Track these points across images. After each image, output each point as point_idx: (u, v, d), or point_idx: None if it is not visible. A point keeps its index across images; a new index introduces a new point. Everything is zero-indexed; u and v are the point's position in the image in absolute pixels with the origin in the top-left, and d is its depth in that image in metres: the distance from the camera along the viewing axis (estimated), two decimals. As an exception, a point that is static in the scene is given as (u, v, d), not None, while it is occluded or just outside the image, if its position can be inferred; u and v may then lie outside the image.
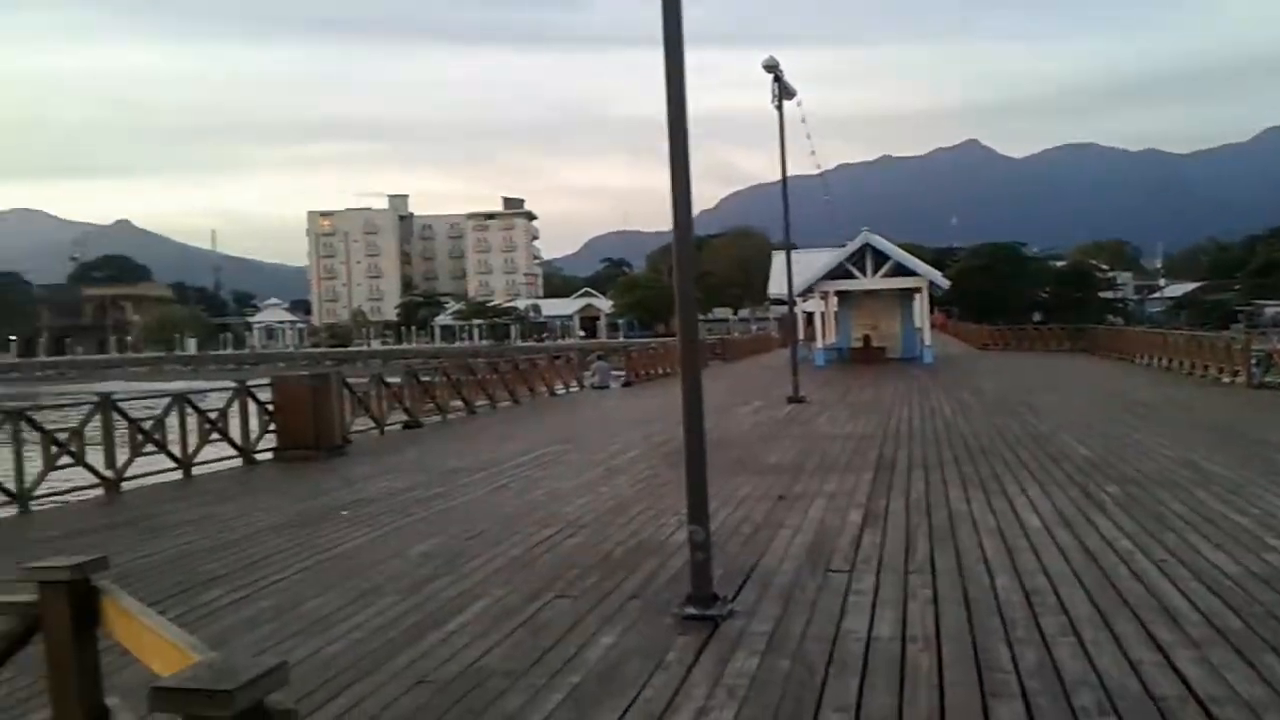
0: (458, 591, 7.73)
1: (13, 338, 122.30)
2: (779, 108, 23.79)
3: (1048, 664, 5.66)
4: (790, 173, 25.55)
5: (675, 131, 7.21)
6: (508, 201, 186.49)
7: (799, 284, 33.57)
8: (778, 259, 47.80)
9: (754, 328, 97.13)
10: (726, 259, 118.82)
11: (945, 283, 44.84)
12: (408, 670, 5.94)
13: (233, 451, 16.58)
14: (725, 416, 20.28)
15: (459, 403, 24.23)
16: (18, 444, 12.96)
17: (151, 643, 3.07)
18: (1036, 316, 77.36)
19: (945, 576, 7.63)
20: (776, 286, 46.59)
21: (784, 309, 48.66)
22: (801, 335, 39.79)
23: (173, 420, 15.51)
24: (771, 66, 23.07)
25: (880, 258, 41.56)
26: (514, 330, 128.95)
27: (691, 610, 6.80)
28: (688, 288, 7.48)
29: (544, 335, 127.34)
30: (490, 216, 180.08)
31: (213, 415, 16.33)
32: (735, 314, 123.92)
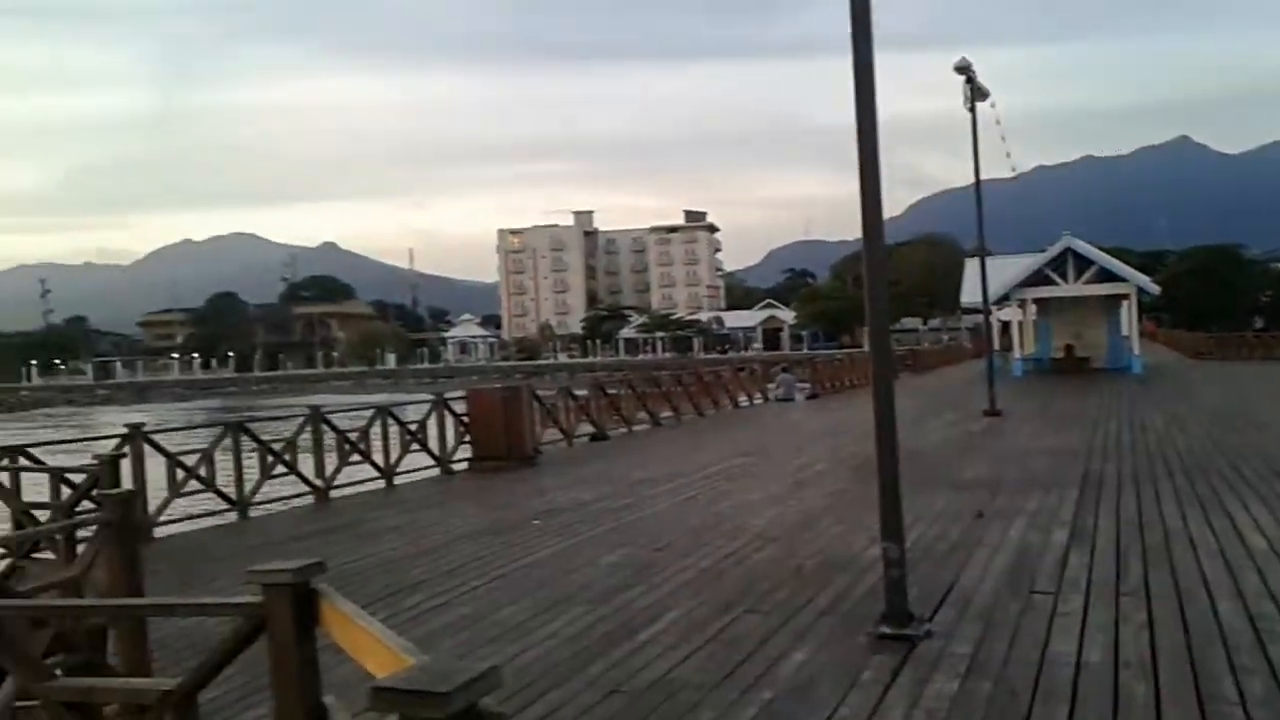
0: (648, 602, 7.77)
1: (230, 354, 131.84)
2: (971, 110, 22.98)
3: (1276, 694, 5.21)
4: (983, 176, 24.61)
5: (864, 137, 7.04)
6: (689, 215, 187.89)
7: (994, 291, 32.27)
8: (970, 266, 46.14)
9: (944, 338, 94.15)
10: (915, 267, 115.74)
11: (1154, 288, 42.20)
12: (601, 679, 6.00)
13: (431, 461, 17.27)
14: (917, 429, 19.67)
15: (644, 415, 24.49)
16: (238, 454, 13.90)
17: (366, 644, 3.20)
18: (1258, 323, 71.84)
19: (1161, 599, 7.14)
20: (969, 294, 44.90)
21: (977, 318, 46.97)
22: (997, 345, 38.26)
23: (375, 431, 16.30)
24: (964, 68, 22.33)
25: (1083, 263, 39.51)
26: (697, 343, 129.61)
27: (886, 629, 6.59)
28: (880, 294, 7.27)
29: (726, 347, 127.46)
30: (672, 230, 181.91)
31: (412, 426, 17.08)
32: (924, 324, 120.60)
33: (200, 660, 3.84)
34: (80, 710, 4.01)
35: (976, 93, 22.81)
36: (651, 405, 24.98)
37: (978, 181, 24.88)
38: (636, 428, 23.59)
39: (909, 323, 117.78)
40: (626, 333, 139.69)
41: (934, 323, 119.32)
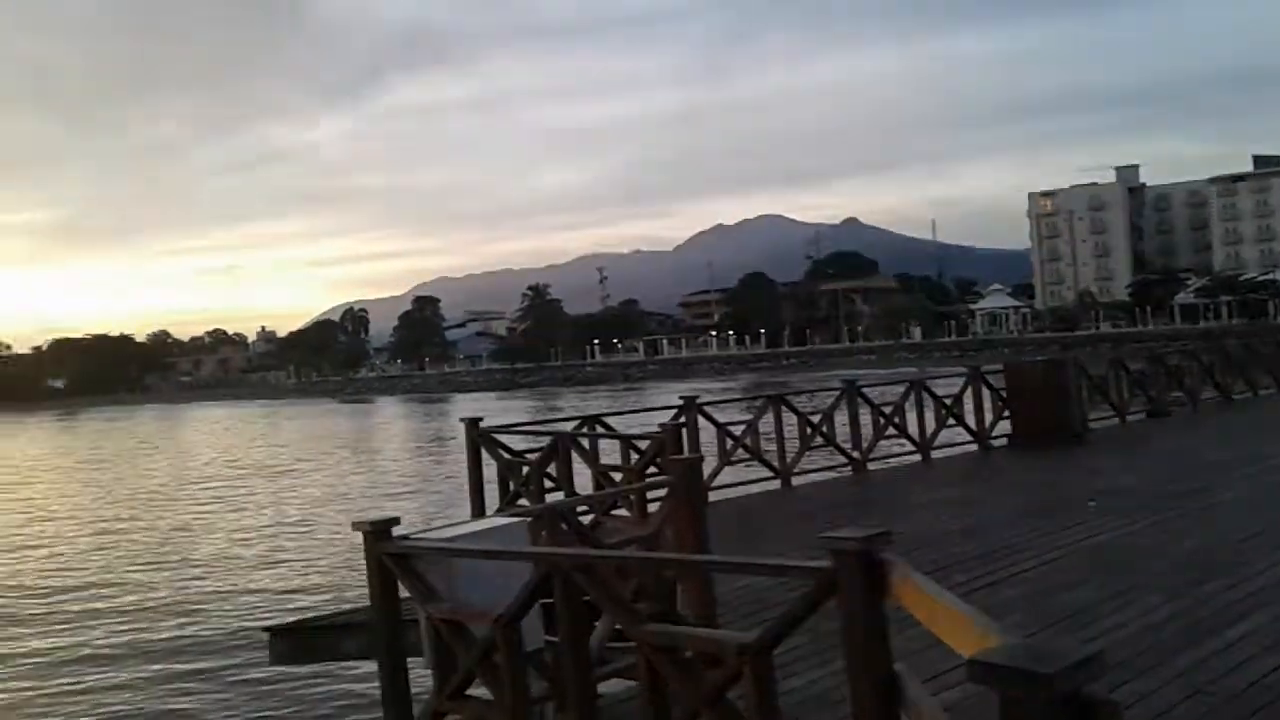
0: (1235, 598, 6.83)
1: (761, 331, 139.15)
2: None
3: None
4: None
5: None
6: (1259, 160, 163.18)
7: None
8: None
9: None
10: None
11: None
12: (1182, 677, 5.42)
13: (968, 436, 16.77)
14: None
15: (1212, 390, 21.67)
16: (779, 425, 14.52)
17: (944, 617, 3.09)
18: None
19: None
20: None
21: None
22: None
23: (909, 405, 16.14)
24: None
25: None
26: (1273, 306, 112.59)
27: None
28: None
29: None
30: (1238, 179, 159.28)
31: (947, 401, 16.67)
32: None
33: (775, 618, 3.97)
34: (667, 654, 4.35)
35: None
36: (1221, 378, 22.03)
37: None
38: (1203, 403, 20.94)
39: None
40: (1183, 298, 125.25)
41: None
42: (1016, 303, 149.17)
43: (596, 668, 5.80)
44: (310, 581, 16.72)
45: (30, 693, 11.76)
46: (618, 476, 11.40)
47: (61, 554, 21.13)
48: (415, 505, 23.68)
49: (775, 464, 14.32)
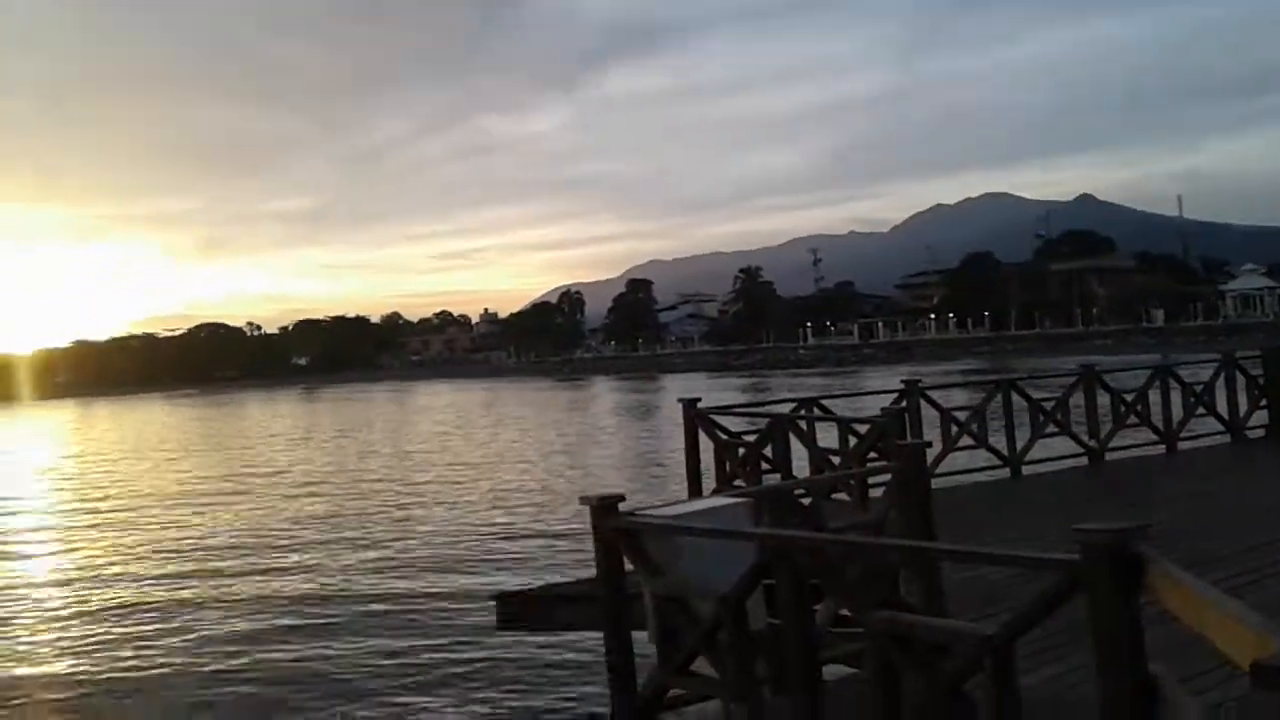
0: None
1: (985, 314, 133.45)
2: None
3: None
4: None
5: None
6: None
7: None
8: None
9: None
10: None
11: None
12: None
13: (1218, 427, 15.52)
14: None
15: None
16: (1009, 411, 13.90)
17: (1214, 618, 2.86)
18: None
19: None
20: None
21: None
22: None
23: (1152, 393, 15.09)
24: None
25: None
26: None
27: None
28: None
29: None
30: None
31: (1196, 388, 15.48)
32: None
33: (1020, 610, 3.80)
34: (899, 643, 4.25)
35: None
36: None
37: None
38: None
39: None
40: None
41: None
42: (1273, 283, 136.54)
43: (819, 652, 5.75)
44: (533, 551, 17.37)
45: (265, 629, 12.79)
46: (835, 460, 11.26)
47: (314, 512, 22.86)
48: (630, 483, 24.17)
49: (1004, 451, 13.75)
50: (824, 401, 13.86)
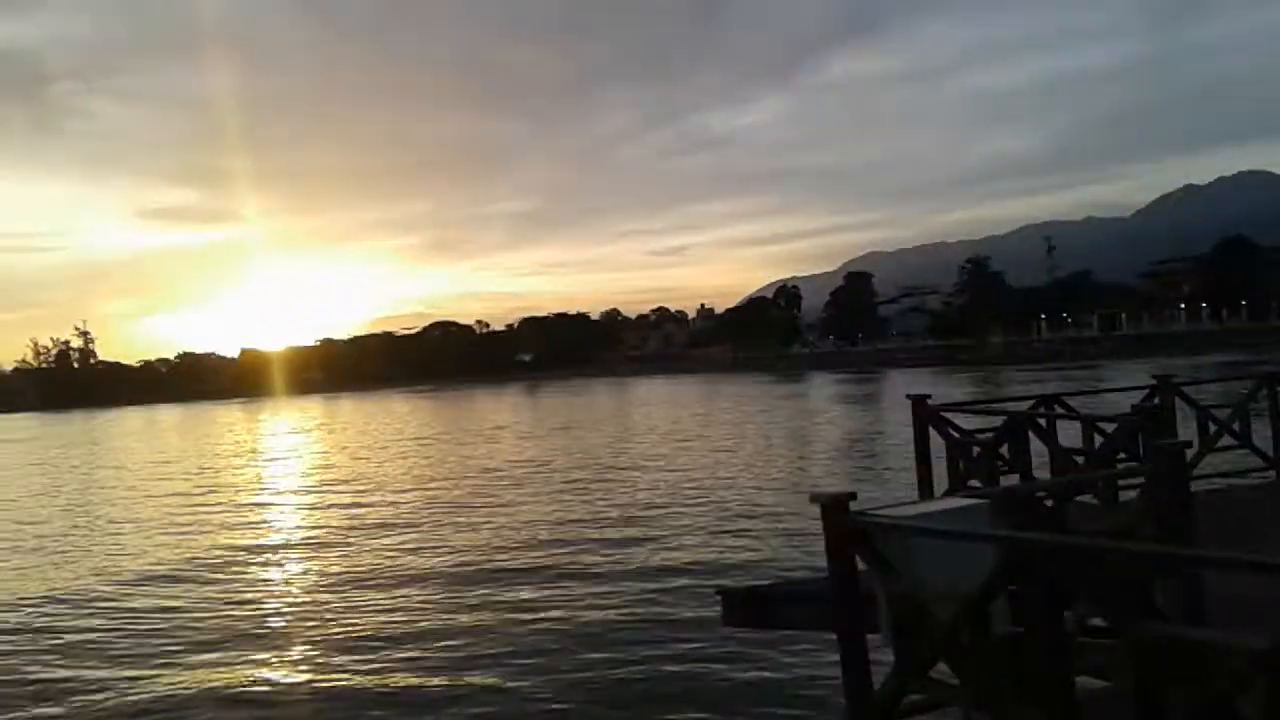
0: None
1: (1243, 303, 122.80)
2: None
3: None
4: None
5: None
6: None
7: None
8: None
9: None
10: None
11: None
12: None
13: None
14: None
15: None
16: (1276, 409, 12.74)
17: None
18: None
19: None
20: None
21: None
22: None
23: None
24: None
25: None
26: None
27: None
28: None
29: None
30: None
31: None
32: None
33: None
34: (1158, 654, 3.97)
35: None
36: None
37: None
38: None
39: None
40: None
41: None
42: None
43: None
44: (758, 547, 17.37)
45: (485, 615, 13.34)
46: (1079, 461, 10.65)
47: (548, 505, 23.76)
48: (855, 482, 23.77)
49: (1269, 452, 12.60)
50: (1066, 398, 13.13)
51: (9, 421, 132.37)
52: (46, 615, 15.96)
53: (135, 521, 26.60)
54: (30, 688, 12.13)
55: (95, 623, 15.23)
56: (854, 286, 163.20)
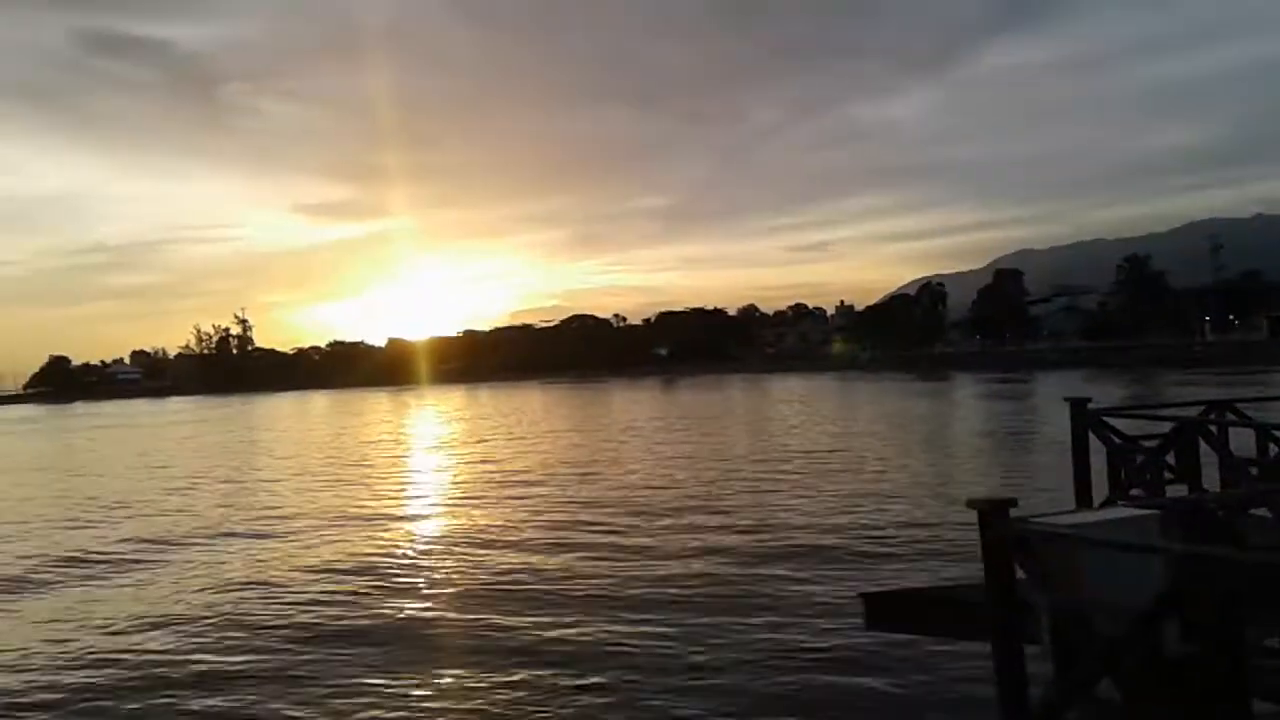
0: None
1: None
2: None
3: None
4: None
5: None
6: None
7: None
8: None
9: None
10: None
11: None
12: None
13: None
14: None
15: None
16: None
17: None
18: None
19: None
20: None
21: None
22: None
23: None
24: None
25: None
26: None
27: None
28: None
29: None
30: None
31: None
32: None
33: None
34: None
35: None
36: None
37: None
38: None
39: None
40: None
41: None
42: None
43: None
44: (898, 549, 17.01)
45: (619, 623, 13.40)
46: (1253, 472, 10.07)
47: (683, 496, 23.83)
48: (1006, 487, 23.02)
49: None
50: (1238, 405, 12.40)
51: (180, 405, 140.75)
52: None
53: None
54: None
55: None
56: (1003, 285, 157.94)
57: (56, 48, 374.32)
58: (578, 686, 10.93)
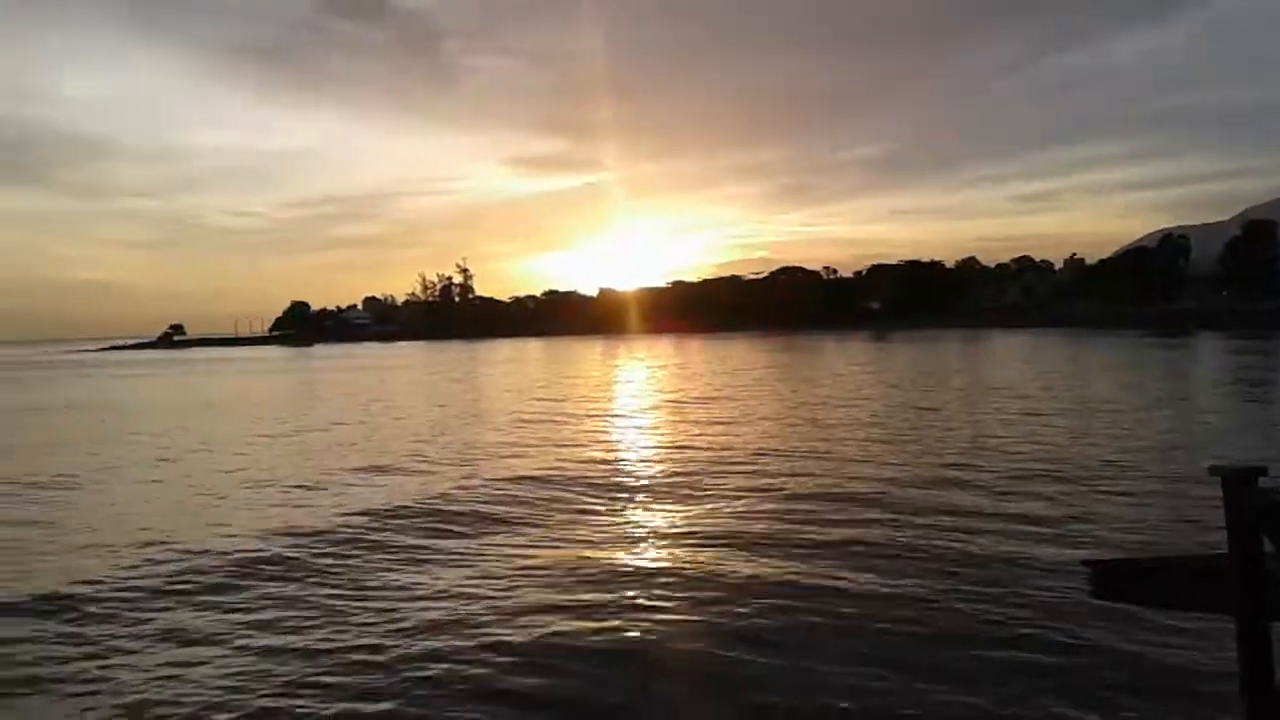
0: None
1: None
2: None
3: None
4: None
5: None
6: None
7: None
8: None
9: None
10: None
11: None
12: None
13: None
14: None
15: None
16: None
17: None
18: None
19: None
20: None
21: None
22: None
23: None
24: None
25: None
26: None
27: None
28: None
29: None
30: None
31: None
32: None
33: None
34: None
35: None
36: None
37: None
38: None
39: None
40: None
41: None
42: None
43: None
44: (1128, 513, 16.23)
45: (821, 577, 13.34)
46: None
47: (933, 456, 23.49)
48: (1251, 453, 21.46)
49: None
50: None
51: (409, 348, 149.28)
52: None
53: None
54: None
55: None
56: (1255, 237, 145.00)
57: (300, 13, 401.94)
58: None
